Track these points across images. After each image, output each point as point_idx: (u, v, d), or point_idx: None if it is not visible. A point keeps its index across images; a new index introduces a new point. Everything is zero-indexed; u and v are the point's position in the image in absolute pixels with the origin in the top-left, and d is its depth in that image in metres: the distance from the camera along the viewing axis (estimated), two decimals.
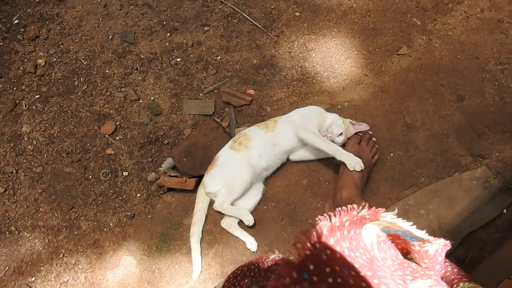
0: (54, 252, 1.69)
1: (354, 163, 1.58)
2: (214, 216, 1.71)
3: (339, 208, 0.81)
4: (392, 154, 1.75)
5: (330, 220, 0.77)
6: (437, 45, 1.93)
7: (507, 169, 1.72)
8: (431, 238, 0.79)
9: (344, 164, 1.60)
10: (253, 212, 1.68)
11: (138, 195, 1.77)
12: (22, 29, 2.03)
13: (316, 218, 0.77)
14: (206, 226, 1.69)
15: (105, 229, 1.73)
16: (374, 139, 1.75)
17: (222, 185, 1.63)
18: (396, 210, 0.84)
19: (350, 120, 1.71)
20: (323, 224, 0.76)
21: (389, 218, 0.81)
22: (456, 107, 1.81)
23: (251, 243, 1.62)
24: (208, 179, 1.66)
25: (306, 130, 1.63)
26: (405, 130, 1.78)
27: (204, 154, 1.74)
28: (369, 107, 1.82)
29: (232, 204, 1.65)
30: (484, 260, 1.67)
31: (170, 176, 1.73)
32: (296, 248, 0.71)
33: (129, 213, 1.74)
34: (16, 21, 2.02)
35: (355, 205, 0.81)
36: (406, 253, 0.82)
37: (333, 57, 1.93)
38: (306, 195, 1.71)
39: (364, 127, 1.71)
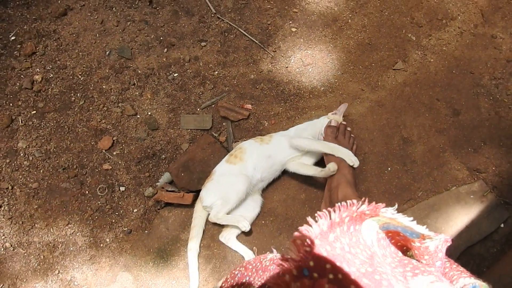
0: (49, 268, 1.71)
1: (353, 159, 1.64)
2: (211, 231, 1.73)
3: (339, 203, 0.82)
4: (389, 169, 1.79)
5: (330, 216, 0.78)
6: (432, 60, 1.99)
7: (504, 183, 1.76)
8: (431, 233, 0.80)
9: (332, 157, 1.65)
10: (251, 226, 1.71)
11: (135, 210, 1.79)
12: (18, 46, 2.06)
13: (316, 214, 0.79)
14: (204, 241, 1.71)
15: (101, 245, 1.74)
16: (349, 128, 1.77)
17: (217, 196, 1.66)
18: (396, 205, 0.85)
19: (332, 112, 1.77)
20: (323, 220, 0.78)
21: (389, 213, 0.82)
22: (452, 122, 1.86)
23: (249, 257, 1.65)
24: (205, 192, 1.69)
25: (299, 137, 1.71)
26: (402, 144, 1.83)
27: (201, 169, 1.77)
28: (366, 121, 1.87)
29: (228, 213, 1.67)
30: (482, 275, 1.69)
31: (167, 191, 1.76)
32: (296, 245, 0.72)
33: (126, 229, 1.76)
34: (12, 38, 2.06)
35: (354, 201, 0.82)
36: (406, 251, 0.83)
37: (330, 72, 1.99)
38: (304, 209, 1.75)
39: (343, 107, 1.77)
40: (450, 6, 2.09)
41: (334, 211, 0.79)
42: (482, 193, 1.75)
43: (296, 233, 0.75)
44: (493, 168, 1.78)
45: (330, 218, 0.77)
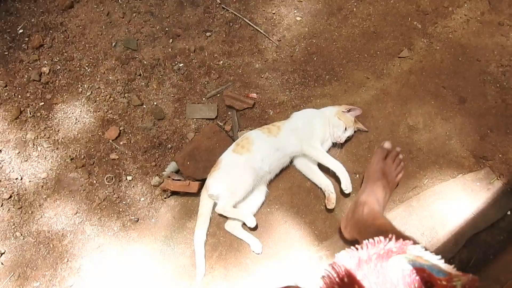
0: (59, 257, 1.71)
1: (349, 186, 1.65)
2: (218, 219, 1.73)
3: (366, 240, 0.81)
4: None
5: (358, 251, 0.77)
6: (438, 48, 1.95)
7: (510, 170, 1.73)
8: (459, 273, 0.78)
9: (367, 178, 1.63)
10: (256, 215, 1.70)
11: (142, 199, 1.79)
12: (26, 39, 2.06)
13: (344, 251, 0.77)
14: (210, 229, 1.71)
15: (109, 234, 1.74)
16: (401, 156, 1.71)
17: (224, 187, 1.65)
18: (424, 243, 0.83)
19: (343, 109, 1.73)
20: (351, 258, 0.76)
21: (417, 251, 0.80)
22: (458, 109, 1.83)
23: (255, 246, 1.64)
24: (211, 181, 1.68)
25: (311, 147, 1.69)
26: (407, 132, 1.80)
27: (207, 158, 1.76)
28: (371, 109, 1.84)
29: (234, 206, 1.67)
30: (488, 262, 1.67)
31: (173, 180, 1.75)
32: (325, 282, 0.72)
33: (133, 217, 1.76)
34: (20, 31, 2.06)
35: (381, 238, 0.80)
36: (430, 287, 0.80)
37: (335, 61, 1.96)
38: (309, 197, 1.73)
39: (358, 111, 1.73)
40: None
41: (362, 248, 0.78)
42: (488, 180, 1.72)
43: (325, 269, 0.75)
44: (500, 155, 1.75)
45: (358, 255, 0.77)
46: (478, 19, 2.00)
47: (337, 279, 0.71)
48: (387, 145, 1.71)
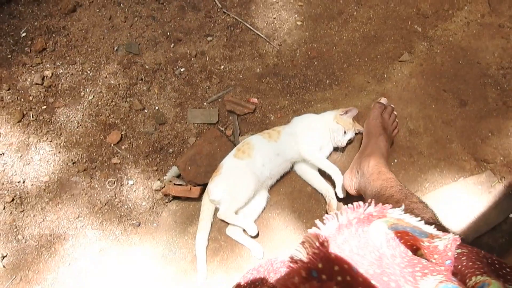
0: (61, 260, 1.71)
1: (343, 194, 1.64)
2: (219, 224, 1.72)
3: (345, 206, 0.81)
4: (396, 160, 1.76)
5: (337, 218, 0.77)
6: (438, 51, 1.95)
7: None
8: (440, 233, 0.79)
9: (369, 134, 1.65)
10: (257, 220, 1.69)
11: (144, 203, 1.79)
12: (29, 42, 2.07)
13: (324, 217, 0.78)
14: (211, 233, 1.70)
15: (110, 238, 1.74)
16: (395, 113, 1.77)
17: (226, 193, 1.65)
18: (403, 206, 0.84)
19: (340, 113, 1.72)
20: (331, 223, 0.77)
21: (396, 214, 0.81)
22: (459, 112, 1.82)
23: (257, 250, 1.63)
24: (212, 186, 1.67)
25: (308, 152, 1.69)
26: (408, 136, 1.79)
27: (208, 163, 1.76)
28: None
29: (236, 212, 1.67)
30: None
31: (175, 184, 1.75)
32: (304, 247, 0.72)
33: (134, 222, 1.76)
34: (23, 34, 2.06)
35: (361, 203, 0.81)
36: (416, 250, 0.82)
37: (335, 65, 1.96)
38: (310, 202, 1.72)
39: (354, 111, 1.72)
40: None
41: (341, 213, 0.78)
42: (490, 183, 1.71)
43: (304, 235, 0.75)
44: (501, 158, 1.74)
45: (338, 220, 0.77)
46: (478, 22, 1.99)
47: (317, 244, 0.70)
48: (383, 100, 1.75)
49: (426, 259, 0.79)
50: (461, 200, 1.69)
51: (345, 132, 1.69)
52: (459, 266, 0.83)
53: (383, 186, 1.33)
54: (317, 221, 0.77)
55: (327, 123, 1.72)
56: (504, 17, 1.98)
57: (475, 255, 0.79)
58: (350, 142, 1.76)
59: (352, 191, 1.56)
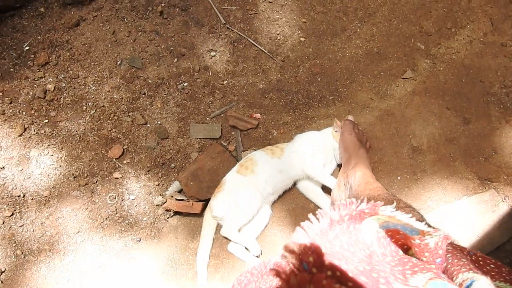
0: (60, 276, 1.69)
1: None
2: (221, 240, 1.71)
3: (338, 202, 0.82)
4: (399, 178, 1.76)
5: (330, 213, 0.78)
6: (441, 69, 1.96)
7: None
8: (430, 229, 0.79)
9: (348, 150, 1.63)
10: (259, 236, 1.68)
11: (145, 218, 1.78)
12: (32, 56, 2.07)
13: (317, 212, 0.78)
14: (213, 250, 1.69)
15: (111, 253, 1.72)
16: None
17: (228, 209, 1.63)
18: (395, 203, 0.84)
19: (335, 130, 1.73)
20: (323, 219, 0.77)
21: (388, 211, 0.82)
22: (462, 130, 1.83)
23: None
24: (215, 203, 1.66)
25: (311, 168, 1.68)
26: (411, 154, 1.79)
27: (210, 178, 1.75)
28: (375, 130, 1.84)
29: (239, 229, 1.65)
30: None
31: (176, 199, 1.74)
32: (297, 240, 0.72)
33: (135, 237, 1.74)
34: (26, 48, 2.07)
35: (353, 200, 0.82)
36: (407, 249, 0.82)
37: (339, 81, 1.96)
38: None
39: (350, 117, 1.74)
40: (459, 14, 2.06)
41: (334, 209, 0.79)
42: (494, 202, 1.71)
43: (297, 228, 0.76)
44: (505, 177, 1.74)
45: (330, 216, 0.78)
46: (481, 40, 2.01)
47: (308, 237, 0.71)
48: (351, 117, 1.76)
49: (417, 257, 0.79)
50: (465, 219, 1.69)
51: None
52: (445, 264, 0.83)
53: (371, 195, 1.34)
54: (310, 215, 0.78)
55: (327, 140, 1.72)
56: (506, 36, 1.99)
57: (459, 252, 0.78)
58: None
59: None
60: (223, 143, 1.88)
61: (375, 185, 1.42)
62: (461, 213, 1.69)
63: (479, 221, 1.68)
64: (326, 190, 1.73)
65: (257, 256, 1.65)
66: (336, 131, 1.71)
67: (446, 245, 0.79)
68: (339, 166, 1.76)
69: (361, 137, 1.70)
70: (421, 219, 1.19)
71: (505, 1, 2.05)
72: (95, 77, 2.02)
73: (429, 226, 1.15)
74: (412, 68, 1.96)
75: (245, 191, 1.64)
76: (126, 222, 1.77)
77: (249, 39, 2.06)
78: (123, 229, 1.76)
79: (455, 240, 0.84)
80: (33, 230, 1.75)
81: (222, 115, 1.93)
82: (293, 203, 1.75)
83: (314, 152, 1.70)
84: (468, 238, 1.66)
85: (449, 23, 2.05)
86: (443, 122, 1.84)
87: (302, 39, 2.06)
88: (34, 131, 1.91)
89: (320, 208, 1.69)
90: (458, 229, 1.67)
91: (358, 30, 2.07)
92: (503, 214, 1.69)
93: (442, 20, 2.06)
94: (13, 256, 1.72)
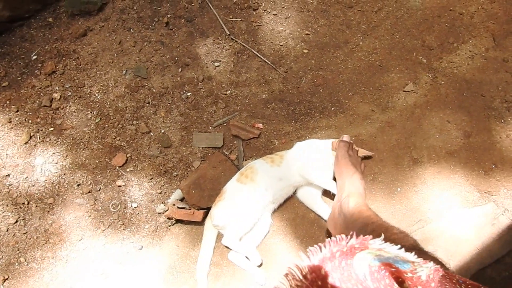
0: (62, 283, 1.73)
1: None
2: (221, 249, 1.74)
3: (328, 239, 0.84)
4: (399, 189, 1.79)
5: (321, 250, 0.80)
6: (443, 82, 1.99)
7: None
8: (420, 260, 0.81)
9: (341, 175, 1.65)
10: (259, 245, 1.71)
11: (147, 226, 1.82)
12: (39, 65, 2.13)
13: (307, 249, 0.80)
14: (213, 258, 1.72)
15: (113, 260, 1.76)
16: (355, 147, 1.77)
17: (230, 219, 1.67)
18: (383, 236, 0.86)
19: (332, 149, 1.75)
20: (314, 255, 0.79)
21: (377, 244, 0.83)
22: (462, 144, 1.86)
23: (259, 276, 1.65)
24: (216, 211, 1.70)
25: (314, 175, 1.71)
26: (412, 165, 1.82)
27: (212, 187, 1.79)
28: (376, 142, 1.87)
29: (240, 238, 1.69)
30: None
31: (178, 207, 1.78)
32: (288, 279, 0.74)
33: (137, 245, 1.78)
34: (34, 57, 2.13)
35: (343, 235, 0.84)
36: (402, 282, 0.83)
37: (340, 93, 2.01)
38: (313, 228, 1.75)
39: (345, 137, 1.74)
40: (461, 30, 2.10)
41: (325, 246, 0.80)
42: (493, 215, 1.73)
43: (288, 267, 0.77)
44: (505, 190, 1.76)
45: (321, 252, 0.79)
46: (482, 55, 2.04)
47: (300, 277, 0.73)
48: (346, 138, 1.73)
49: None
50: (464, 231, 1.71)
51: None
52: None
53: (364, 224, 1.36)
54: (300, 254, 0.79)
55: (328, 151, 1.76)
56: (508, 51, 2.03)
57: (448, 281, 0.80)
58: None
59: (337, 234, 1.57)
60: (225, 152, 1.92)
61: (368, 213, 1.44)
62: (460, 226, 1.71)
63: (478, 234, 1.70)
64: (326, 196, 1.76)
65: (258, 266, 1.68)
66: (334, 150, 1.74)
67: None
68: None
69: (355, 160, 1.71)
70: (414, 244, 1.21)
71: (507, 18, 2.10)
72: (101, 86, 2.08)
73: (421, 251, 1.17)
74: (414, 81, 2.00)
75: (245, 200, 1.68)
76: (128, 230, 1.81)
77: (252, 50, 2.12)
78: (125, 236, 1.80)
79: (446, 263, 0.86)
80: (37, 238, 1.79)
81: (225, 124, 1.97)
82: (293, 212, 1.79)
83: (314, 157, 1.74)
84: (467, 250, 1.68)
85: (451, 38, 2.09)
86: (444, 135, 1.88)
87: (305, 51, 2.11)
88: (39, 139, 1.96)
89: (320, 217, 1.74)
90: (458, 242, 1.69)
91: (361, 43, 2.12)
92: (503, 227, 1.71)
93: (444, 35, 2.10)
94: (17, 263, 1.76)
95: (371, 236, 0.83)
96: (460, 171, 1.81)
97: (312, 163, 1.73)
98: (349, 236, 0.82)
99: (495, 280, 1.67)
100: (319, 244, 0.78)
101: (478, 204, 1.76)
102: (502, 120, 1.89)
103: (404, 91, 1.99)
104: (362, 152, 1.78)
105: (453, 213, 1.75)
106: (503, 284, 1.66)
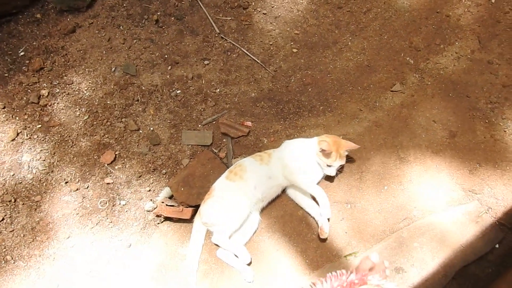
0: (49, 281, 1.72)
1: (326, 212, 1.68)
2: (210, 246, 1.75)
3: (329, 273, 0.86)
4: (386, 187, 1.82)
5: (322, 285, 0.82)
6: (429, 83, 2.03)
7: (499, 204, 1.78)
8: None
9: None
10: (248, 243, 1.73)
11: (135, 224, 1.82)
12: (27, 61, 2.12)
13: (310, 284, 0.82)
14: (202, 255, 1.73)
15: (101, 259, 1.76)
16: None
17: (219, 217, 1.68)
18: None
19: (319, 150, 1.71)
20: None
21: (376, 280, 0.86)
22: (448, 143, 1.89)
23: (247, 274, 1.66)
24: (205, 209, 1.71)
25: (296, 177, 1.73)
26: (398, 164, 1.86)
27: (201, 184, 1.80)
28: (363, 140, 1.90)
29: (230, 236, 1.70)
30: None
31: (167, 205, 1.79)
32: None
33: (125, 243, 1.78)
34: (22, 53, 2.12)
35: (344, 271, 0.86)
36: None
37: (329, 92, 2.03)
38: (301, 226, 1.77)
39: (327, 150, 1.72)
40: (448, 32, 2.14)
41: (326, 281, 0.83)
42: (477, 213, 1.77)
43: None
44: (488, 189, 1.81)
45: (323, 286, 0.81)
46: (468, 57, 2.09)
47: None
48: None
49: None
50: (449, 229, 1.74)
51: (329, 166, 1.74)
52: None
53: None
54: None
55: (313, 150, 1.76)
56: (493, 54, 2.08)
57: None
58: (341, 167, 1.80)
59: None
60: (214, 150, 1.94)
61: None
62: (445, 224, 1.75)
63: (462, 232, 1.74)
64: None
65: (247, 264, 1.69)
66: (320, 151, 1.73)
67: None
68: (327, 177, 1.82)
69: None
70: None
71: (492, 21, 2.15)
72: (89, 83, 2.08)
73: None
74: (401, 82, 2.04)
75: (234, 198, 1.69)
76: (117, 227, 1.81)
77: (242, 48, 2.13)
78: (113, 234, 1.80)
79: None
80: (24, 236, 1.78)
81: (214, 122, 1.99)
82: (281, 210, 1.81)
83: (299, 161, 1.75)
84: (452, 248, 1.71)
85: (438, 40, 2.13)
86: (430, 135, 1.91)
87: (295, 50, 2.14)
88: (27, 136, 1.95)
89: (309, 214, 1.75)
90: (443, 239, 1.72)
91: (350, 43, 2.15)
92: (486, 225, 1.75)
93: (431, 36, 2.14)
94: (3, 262, 1.75)
95: (370, 273, 0.86)
96: (446, 170, 1.85)
97: (296, 167, 1.74)
98: (349, 272, 0.85)
99: (479, 277, 1.71)
100: (321, 278, 0.81)
101: (463, 203, 1.80)
102: (487, 121, 1.93)
103: (391, 91, 2.02)
104: (348, 145, 1.77)
105: (438, 211, 1.78)
106: (486, 280, 1.70)
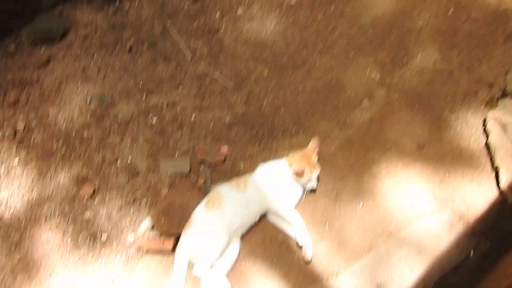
0: None
1: (302, 240, 1.50)
2: (192, 278, 1.52)
3: None
4: (361, 203, 1.62)
5: None
6: (395, 97, 1.84)
7: (470, 212, 1.61)
8: None
9: None
10: (231, 271, 1.51)
11: (118, 257, 1.58)
12: (2, 94, 1.86)
13: None
14: (186, 286, 1.50)
15: None
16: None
17: (198, 247, 1.46)
18: None
19: (293, 172, 1.55)
20: None
21: None
22: (417, 155, 1.71)
23: None
24: (184, 240, 1.48)
25: (277, 208, 1.55)
26: (371, 180, 1.66)
27: (181, 213, 1.58)
28: (336, 159, 1.71)
29: (211, 266, 1.47)
30: None
31: (148, 238, 1.55)
32: None
33: (108, 278, 1.54)
34: None
35: None
36: None
37: (301, 112, 1.82)
38: (282, 249, 1.56)
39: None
40: (410, 45, 1.95)
41: None
42: (450, 222, 1.60)
43: None
44: (459, 197, 1.63)
45: None
46: (430, 69, 1.90)
47: None
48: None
49: None
50: (425, 240, 1.57)
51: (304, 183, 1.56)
52: None
53: None
54: None
55: (287, 172, 1.57)
56: (453, 64, 1.90)
57: None
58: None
59: None
60: (193, 176, 1.70)
61: None
62: (421, 235, 1.57)
63: (437, 242, 1.57)
64: None
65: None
66: (295, 174, 1.54)
67: None
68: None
69: None
70: None
71: (451, 32, 1.96)
72: (66, 115, 1.82)
73: None
74: (369, 97, 1.84)
75: (213, 226, 1.47)
76: (99, 261, 1.57)
77: (213, 76, 1.89)
78: (95, 269, 1.55)
79: None
80: (3, 278, 1.52)
81: (191, 150, 1.75)
82: (262, 234, 1.59)
83: (274, 187, 1.55)
84: (428, 259, 1.53)
85: (401, 53, 1.94)
86: (399, 148, 1.72)
87: (265, 72, 1.91)
88: (3, 172, 1.69)
89: (289, 236, 1.55)
90: (419, 250, 1.54)
91: (318, 62, 1.93)
92: (459, 233, 1.58)
93: (395, 50, 1.95)
94: None
95: None
96: (417, 181, 1.67)
97: (272, 193, 1.55)
98: None
99: (457, 286, 1.54)
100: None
101: (436, 213, 1.62)
102: (452, 130, 1.76)
103: (360, 108, 1.82)
104: (312, 149, 1.58)
105: (414, 223, 1.60)
106: None
